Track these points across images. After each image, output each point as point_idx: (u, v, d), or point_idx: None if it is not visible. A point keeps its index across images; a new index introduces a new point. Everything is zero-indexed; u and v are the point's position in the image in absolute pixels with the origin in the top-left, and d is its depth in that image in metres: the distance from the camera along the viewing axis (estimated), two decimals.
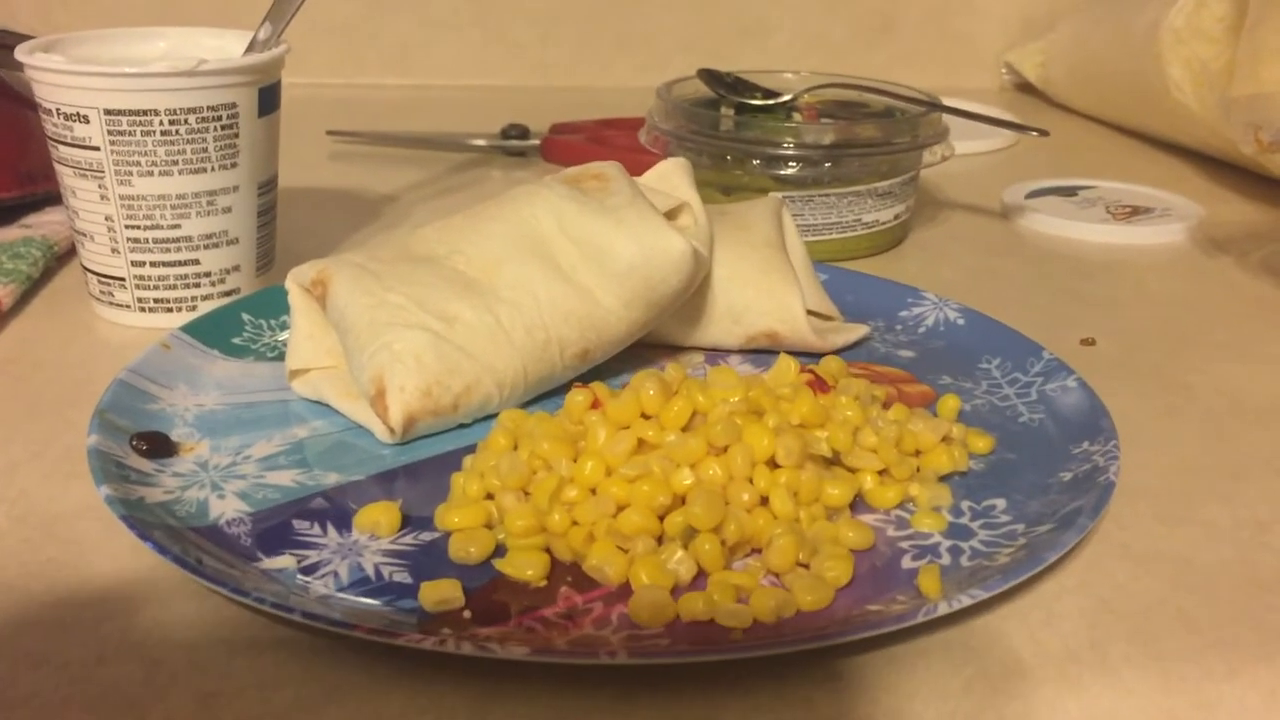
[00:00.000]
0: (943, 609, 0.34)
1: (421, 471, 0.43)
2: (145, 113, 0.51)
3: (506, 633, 0.34)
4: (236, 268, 0.55)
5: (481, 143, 0.89)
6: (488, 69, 1.11)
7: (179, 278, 0.54)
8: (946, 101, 0.70)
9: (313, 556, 0.37)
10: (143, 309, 0.54)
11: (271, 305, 0.53)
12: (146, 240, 0.53)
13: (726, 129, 0.67)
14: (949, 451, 0.43)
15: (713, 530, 0.37)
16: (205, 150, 0.52)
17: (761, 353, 0.53)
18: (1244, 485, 0.44)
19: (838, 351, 0.53)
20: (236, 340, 0.51)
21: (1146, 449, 0.47)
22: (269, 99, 0.55)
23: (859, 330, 0.54)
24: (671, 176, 0.53)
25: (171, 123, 0.51)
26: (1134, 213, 0.76)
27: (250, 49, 0.56)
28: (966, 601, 0.35)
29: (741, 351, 0.53)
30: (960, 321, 0.56)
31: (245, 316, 0.53)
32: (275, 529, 0.39)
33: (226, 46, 0.57)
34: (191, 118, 0.51)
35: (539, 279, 0.46)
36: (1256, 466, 0.46)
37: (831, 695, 0.33)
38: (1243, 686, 0.34)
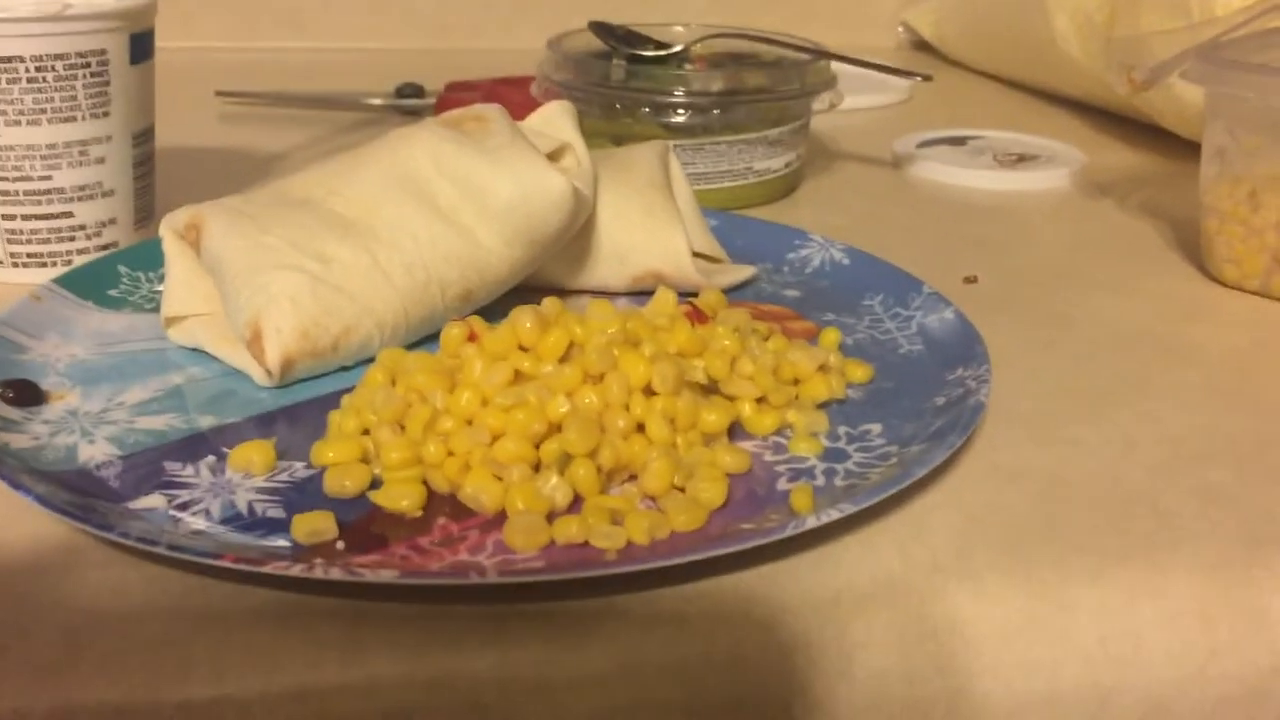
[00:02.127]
0: (811, 523, 0.35)
1: (301, 413, 0.43)
2: (9, 59, 0.49)
3: (379, 560, 0.34)
4: (113, 220, 0.54)
5: (376, 102, 0.88)
6: (385, 31, 1.09)
7: (52, 231, 0.53)
8: (834, 51, 0.71)
9: (184, 496, 0.37)
10: (15, 264, 0.53)
11: (151, 257, 0.52)
12: (16, 193, 0.51)
13: (617, 79, 0.67)
14: (826, 380, 0.43)
15: (588, 456, 0.37)
16: (75, 98, 0.51)
17: (648, 294, 0.53)
18: (1114, 407, 0.46)
19: (724, 291, 0.53)
20: (113, 292, 0.50)
21: (1022, 376, 0.48)
22: (141, 46, 0.53)
23: (745, 271, 0.55)
24: (555, 119, 0.52)
25: (38, 69, 0.50)
26: (1020, 160, 0.77)
27: None
28: (835, 515, 0.35)
29: (629, 293, 0.54)
30: (845, 261, 0.56)
31: (122, 269, 0.52)
32: (146, 471, 0.38)
33: None
34: (59, 64, 0.50)
35: (418, 219, 0.46)
36: (1126, 390, 0.47)
37: (703, 610, 0.34)
38: (1103, 588, 0.35)
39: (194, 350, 0.46)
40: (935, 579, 0.35)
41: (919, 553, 0.36)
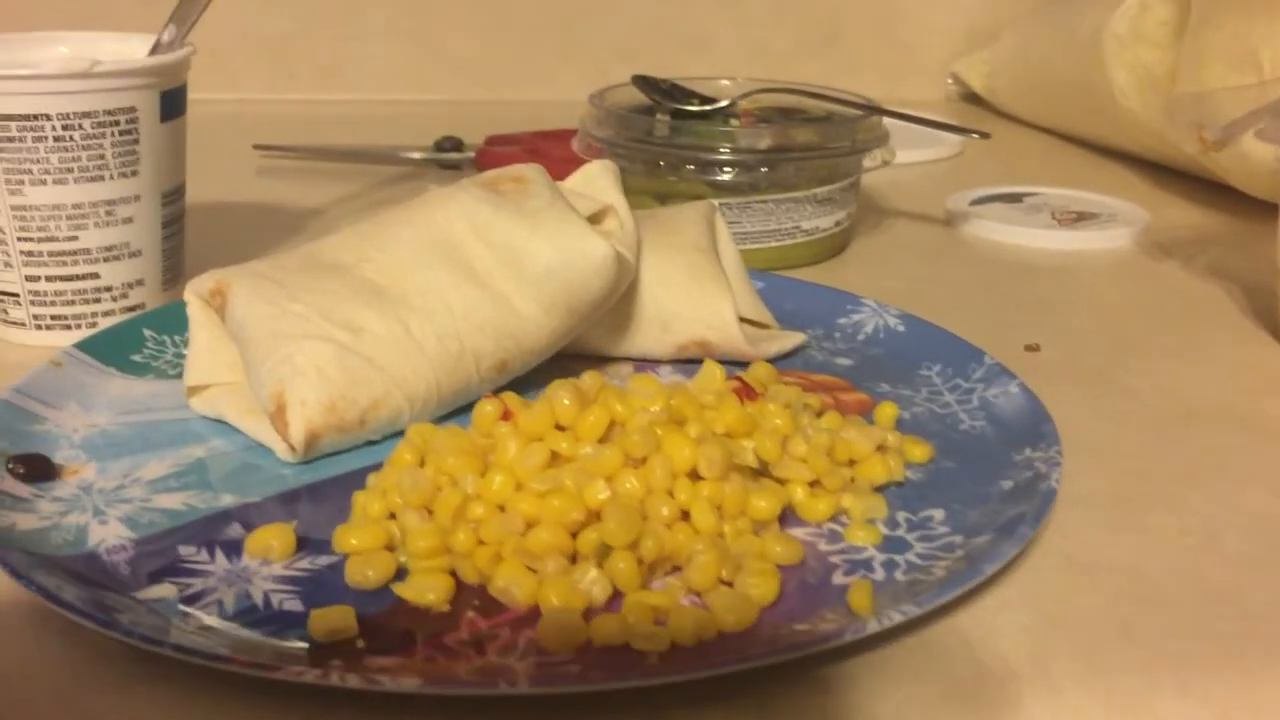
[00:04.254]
0: (872, 627, 0.32)
1: (325, 492, 0.40)
2: (36, 117, 0.48)
3: (403, 663, 0.31)
4: (140, 282, 0.52)
5: (415, 155, 0.86)
6: (426, 83, 1.08)
7: (77, 293, 0.51)
8: (886, 107, 0.68)
9: (197, 585, 0.35)
10: (39, 326, 0.51)
11: (177, 320, 0.50)
12: (41, 253, 0.50)
13: (661, 135, 0.65)
14: (884, 461, 0.41)
15: (628, 547, 0.34)
16: (103, 157, 0.49)
17: (693, 363, 0.50)
18: (1191, 491, 0.42)
19: (773, 360, 0.51)
20: (136, 357, 0.48)
21: (1091, 455, 0.45)
22: (173, 103, 0.52)
23: (794, 338, 0.52)
24: (597, 180, 0.50)
25: (65, 128, 0.48)
26: (1079, 218, 0.74)
27: (154, 51, 0.53)
28: (898, 618, 0.32)
29: (673, 362, 0.51)
30: (900, 328, 0.53)
31: (147, 332, 0.50)
32: (159, 556, 0.36)
33: (130, 50, 0.55)
34: (86, 122, 0.49)
35: (451, 286, 0.44)
36: (1204, 472, 0.44)
37: None
38: (1193, 703, 0.32)
39: (218, 420, 0.44)
40: (1009, 689, 0.32)
41: (990, 658, 0.33)
